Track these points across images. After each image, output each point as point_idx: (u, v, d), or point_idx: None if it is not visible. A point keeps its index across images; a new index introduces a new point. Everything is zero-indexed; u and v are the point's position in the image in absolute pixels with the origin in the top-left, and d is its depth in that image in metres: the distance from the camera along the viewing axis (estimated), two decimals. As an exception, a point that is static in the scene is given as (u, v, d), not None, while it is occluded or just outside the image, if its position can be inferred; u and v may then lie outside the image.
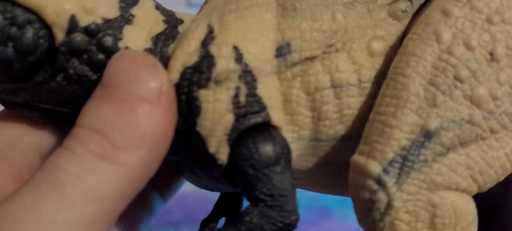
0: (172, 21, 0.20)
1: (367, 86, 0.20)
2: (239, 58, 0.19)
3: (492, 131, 0.18)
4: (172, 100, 0.18)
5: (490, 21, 0.19)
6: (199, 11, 0.22)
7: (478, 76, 0.18)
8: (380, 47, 0.20)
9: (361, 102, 0.20)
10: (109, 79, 0.17)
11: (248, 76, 0.19)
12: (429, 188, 0.18)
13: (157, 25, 0.20)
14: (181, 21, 0.20)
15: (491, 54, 0.18)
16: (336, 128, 0.20)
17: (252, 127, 0.19)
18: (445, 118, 0.18)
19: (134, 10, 0.19)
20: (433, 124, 0.18)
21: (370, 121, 0.19)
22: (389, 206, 0.18)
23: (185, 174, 0.21)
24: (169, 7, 0.21)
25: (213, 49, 0.19)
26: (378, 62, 0.20)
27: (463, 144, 0.18)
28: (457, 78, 0.18)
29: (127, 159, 0.16)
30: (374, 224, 0.18)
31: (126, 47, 0.19)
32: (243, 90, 0.19)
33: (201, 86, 0.19)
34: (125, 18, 0.19)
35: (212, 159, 0.19)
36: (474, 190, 0.19)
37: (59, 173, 0.16)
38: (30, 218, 0.15)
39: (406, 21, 0.21)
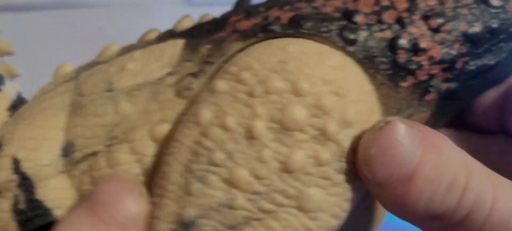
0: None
1: (154, 172, 0.19)
2: (16, 168, 0.19)
3: (265, 211, 0.17)
4: (144, 224, 0.18)
5: (251, 94, 0.17)
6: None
7: (236, 158, 0.17)
8: (164, 131, 0.18)
9: (150, 189, 0.19)
10: (97, 197, 0.18)
11: (26, 184, 0.19)
12: None
13: None
14: None
15: (249, 132, 0.17)
16: None
17: (38, 228, 0.19)
18: (201, 206, 0.17)
19: None
20: (189, 214, 0.17)
21: None
22: None
23: None
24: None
25: None
26: (164, 146, 0.19)
27: (233, 227, 0.17)
28: (211, 163, 0.17)
29: None
30: None
31: None
32: (22, 198, 0.19)
33: None
34: None
35: None
36: None
37: None
38: None
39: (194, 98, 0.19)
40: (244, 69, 0.17)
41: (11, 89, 0.21)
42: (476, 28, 0.19)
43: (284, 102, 0.17)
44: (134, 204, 0.18)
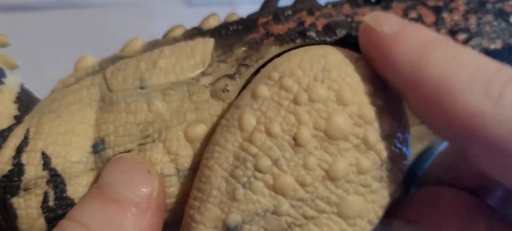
0: (22, 116, 0.20)
1: (187, 174, 0.19)
2: (46, 163, 0.19)
3: (308, 217, 0.17)
4: (161, 208, 0.18)
5: (296, 101, 0.17)
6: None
7: (281, 165, 0.17)
8: (199, 132, 0.19)
9: (182, 191, 0.19)
10: (105, 179, 0.18)
11: (56, 181, 0.19)
12: None
13: (6, 119, 0.20)
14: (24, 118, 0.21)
15: (295, 139, 0.17)
16: (165, 216, 0.19)
17: None
18: (246, 211, 0.17)
19: None
20: (233, 219, 0.17)
21: (184, 213, 0.19)
22: None
23: None
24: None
25: (24, 157, 0.19)
26: (199, 147, 0.19)
27: None
28: (257, 169, 0.17)
29: None
30: None
31: None
32: (51, 195, 0.19)
33: (13, 194, 0.19)
34: None
35: None
36: None
37: None
38: None
39: (230, 100, 0.19)
40: (287, 76, 0.18)
41: (12, 82, 0.21)
42: (497, 45, 0.20)
43: (329, 111, 0.17)
44: (144, 182, 0.18)
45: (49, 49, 0.55)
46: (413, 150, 0.20)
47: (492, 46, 0.20)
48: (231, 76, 0.19)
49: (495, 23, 0.20)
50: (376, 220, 0.18)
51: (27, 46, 0.56)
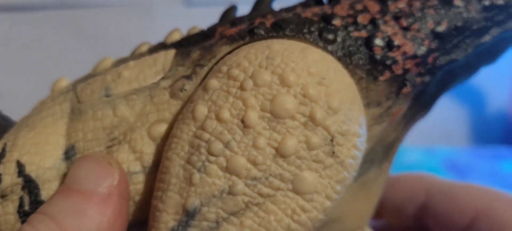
0: (0, 136, 0.22)
1: (153, 170, 0.20)
2: (21, 171, 0.20)
3: (264, 196, 0.18)
4: (124, 196, 0.19)
5: (242, 88, 0.18)
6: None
7: (233, 147, 0.18)
8: (161, 130, 0.20)
9: (149, 187, 0.20)
10: (70, 176, 0.19)
11: (30, 186, 0.20)
12: None
13: None
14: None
15: (243, 122, 0.18)
16: (136, 213, 0.21)
17: None
18: (203, 194, 0.18)
19: None
20: (192, 203, 0.18)
21: (150, 206, 0.20)
22: None
23: None
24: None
25: (1, 168, 0.20)
26: (161, 144, 0.20)
27: (234, 213, 0.18)
28: (210, 153, 0.18)
29: None
30: None
31: None
32: (27, 200, 0.20)
33: None
34: None
35: None
36: None
37: None
38: None
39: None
40: (234, 67, 0.19)
41: None
42: (443, 26, 0.20)
43: (274, 93, 0.18)
44: (105, 173, 0.19)
45: (49, 49, 0.55)
46: (373, 131, 0.21)
47: (438, 28, 0.20)
48: (188, 77, 0.20)
49: (439, 6, 0.21)
50: (335, 196, 0.19)
51: (27, 46, 0.57)
